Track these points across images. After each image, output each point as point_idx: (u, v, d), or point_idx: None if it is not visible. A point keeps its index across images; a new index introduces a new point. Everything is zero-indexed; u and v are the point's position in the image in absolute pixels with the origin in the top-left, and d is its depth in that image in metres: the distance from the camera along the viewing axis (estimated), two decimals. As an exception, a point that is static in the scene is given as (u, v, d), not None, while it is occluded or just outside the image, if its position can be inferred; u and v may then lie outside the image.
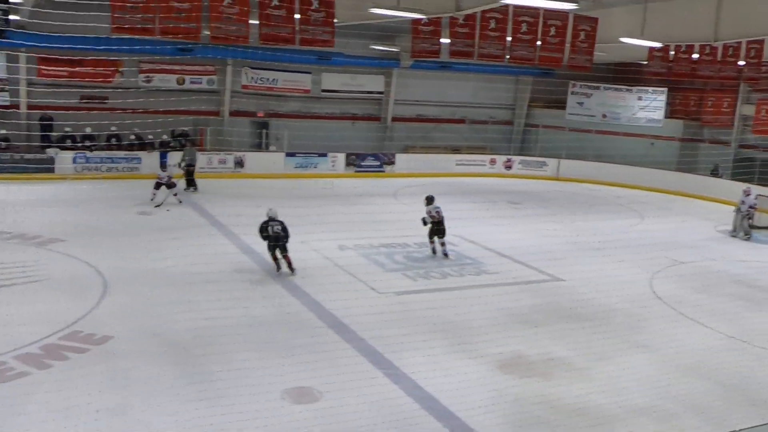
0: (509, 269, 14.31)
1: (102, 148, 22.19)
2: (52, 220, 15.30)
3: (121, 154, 22.23)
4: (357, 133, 27.74)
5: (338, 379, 8.31)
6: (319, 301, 11.34)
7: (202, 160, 22.95)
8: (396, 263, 14.23)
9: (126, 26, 12.76)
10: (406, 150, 28.19)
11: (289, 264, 12.58)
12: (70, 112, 21.69)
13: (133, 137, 22.37)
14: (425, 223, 14.63)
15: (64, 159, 21.19)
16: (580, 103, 29.62)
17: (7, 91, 22.32)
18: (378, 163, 26.43)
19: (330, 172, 24.82)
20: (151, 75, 24.12)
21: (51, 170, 20.72)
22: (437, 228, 14.57)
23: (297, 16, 13.94)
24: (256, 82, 25.87)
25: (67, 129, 21.84)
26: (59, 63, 22.45)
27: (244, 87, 25.85)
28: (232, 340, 9.38)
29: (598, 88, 29.21)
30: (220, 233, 15.66)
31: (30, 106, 22.70)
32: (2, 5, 12.05)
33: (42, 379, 8.20)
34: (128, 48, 20.27)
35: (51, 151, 21.24)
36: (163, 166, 19.39)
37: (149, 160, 22.26)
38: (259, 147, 26.11)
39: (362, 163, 26.15)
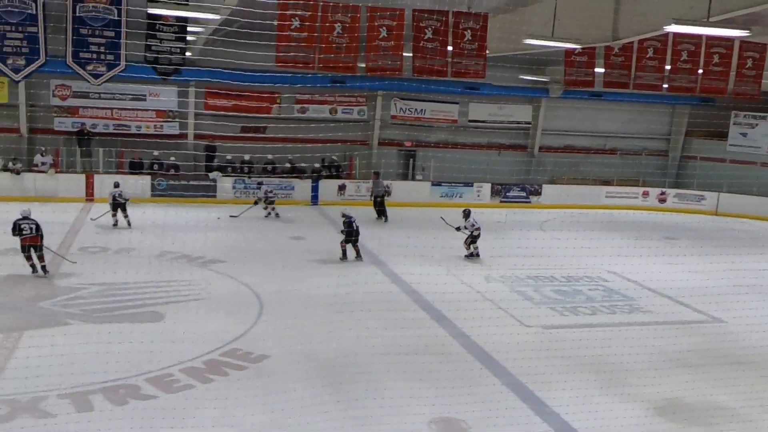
0: (664, 308, 13.61)
1: (259, 175, 23.45)
2: (215, 242, 16.28)
3: (276, 180, 23.36)
4: (503, 163, 27.58)
5: (485, 413, 8.21)
6: (466, 332, 11.30)
7: (350, 187, 23.69)
8: (543, 296, 13.93)
9: (288, 60, 13.44)
10: (553, 181, 27.68)
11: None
12: (232, 142, 23.16)
13: (287, 165, 23.50)
14: (458, 229, 16.33)
15: (225, 186, 22.56)
16: (744, 134, 27.87)
17: (177, 121, 24.19)
18: (524, 194, 26.11)
19: (475, 202, 24.78)
20: (306, 106, 25.28)
21: (213, 195, 22.10)
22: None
23: (450, 48, 14.15)
24: (404, 113, 26.44)
25: (229, 157, 23.29)
26: (224, 96, 24.10)
27: (393, 117, 26.49)
28: (381, 366, 9.52)
29: (765, 118, 27.35)
30: (369, 260, 16.01)
31: (196, 136, 24.46)
32: (180, 44, 13.05)
33: (204, 392, 8.69)
34: (287, 81, 21.34)
35: (213, 174, 22.69)
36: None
37: (302, 186, 23.26)
38: (405, 176, 26.58)
39: (508, 194, 25.94)
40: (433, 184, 25.10)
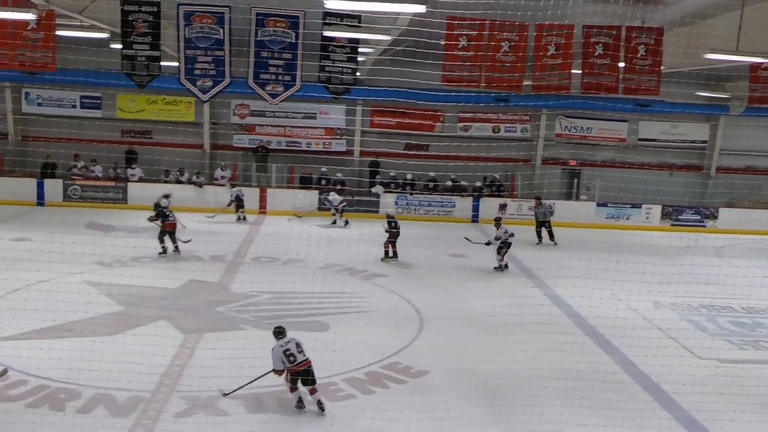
0: None
1: (420, 192, 23.78)
2: (377, 256, 16.67)
3: (437, 198, 23.56)
4: (675, 184, 26.10)
5: (655, 447, 7.78)
6: (633, 360, 10.78)
7: (511, 206, 23.40)
8: (720, 327, 13.00)
9: (454, 79, 13.56)
10: (732, 204, 25.80)
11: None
12: (396, 159, 23.67)
13: (449, 183, 23.65)
14: (488, 243, 16.47)
15: (388, 201, 23.06)
16: None
17: (344, 138, 25.11)
18: (698, 217, 24.54)
19: (644, 225, 23.68)
20: (469, 124, 25.35)
21: (376, 210, 22.67)
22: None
23: (621, 64, 13.66)
24: (570, 131, 25.82)
25: (392, 173, 23.83)
26: (389, 114, 24.73)
27: (558, 135, 25.93)
28: (542, 390, 9.29)
29: None
30: (530, 280, 15.73)
31: (362, 153, 25.26)
32: (352, 65, 13.57)
33: (365, 403, 8.90)
34: (451, 99, 21.53)
35: (376, 189, 23.29)
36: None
37: (463, 204, 23.31)
38: (569, 196, 25.87)
39: (680, 216, 24.49)
40: (598, 205, 24.22)
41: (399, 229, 16.99)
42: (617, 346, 11.44)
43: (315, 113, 24.91)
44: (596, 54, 13.52)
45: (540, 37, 13.64)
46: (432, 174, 24.00)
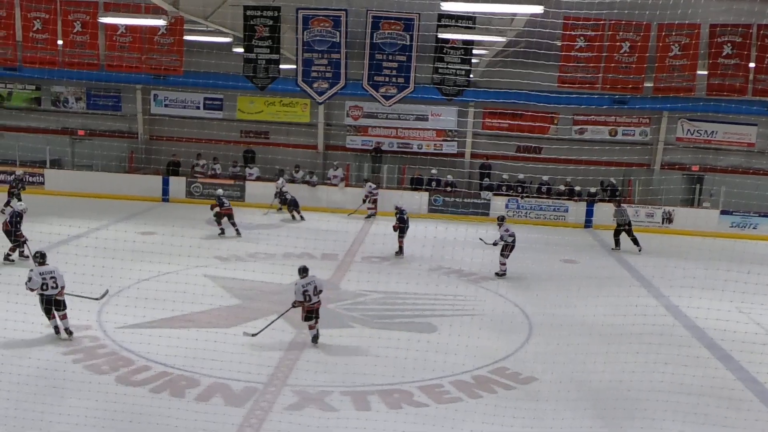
0: None
1: (532, 196, 23.36)
2: (486, 260, 16.52)
3: (549, 202, 23.09)
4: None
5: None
6: (759, 378, 10.17)
7: (627, 212, 22.55)
8: None
9: (571, 80, 13.25)
10: None
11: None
12: (506, 161, 23.39)
13: (562, 187, 23.12)
14: (495, 243, 15.60)
15: (498, 204, 22.82)
16: None
17: (455, 140, 25.05)
18: (836, 229, 22.82)
19: (772, 235, 22.28)
20: (584, 126, 24.69)
21: (486, 214, 22.47)
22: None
23: (752, 64, 12.92)
24: (692, 134, 24.64)
25: (504, 177, 23.55)
26: (502, 116, 24.46)
27: (679, 139, 24.80)
28: (659, 405, 8.91)
29: None
30: (644, 289, 15.15)
31: (473, 155, 25.11)
32: (465, 66, 13.52)
33: (473, 407, 8.85)
34: (566, 101, 21.05)
35: (485, 194, 23.10)
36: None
37: (576, 209, 22.72)
38: (690, 202, 24.71)
39: (816, 228, 22.86)
40: (722, 213, 22.97)
41: (408, 223, 17.24)
42: (740, 361, 10.82)
43: (427, 115, 24.98)
44: (724, 54, 12.86)
45: (663, 36, 13.13)
46: (545, 178, 23.53)
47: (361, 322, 11.96)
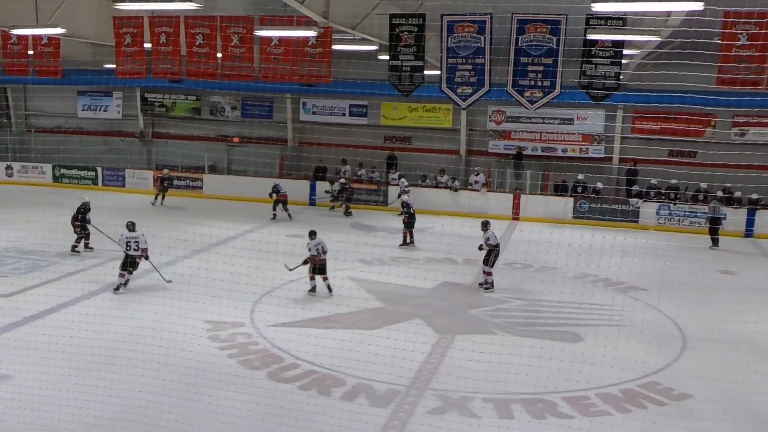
0: None
1: (686, 202, 22.13)
2: (634, 268, 15.85)
3: (705, 209, 21.76)
4: None
5: None
6: None
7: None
8: None
9: (730, 80, 12.47)
10: None
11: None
12: (657, 166, 22.31)
13: (719, 193, 21.72)
14: (480, 248, 14.22)
15: (647, 211, 21.80)
16: None
17: (602, 145, 24.22)
18: None
19: None
20: (745, 129, 23.10)
21: (635, 221, 21.54)
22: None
23: None
24: None
25: (653, 181, 22.46)
26: (653, 119, 23.38)
27: None
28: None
29: None
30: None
31: (621, 159, 24.16)
32: (615, 68, 13.06)
33: (620, 421, 8.51)
34: (725, 102, 19.81)
35: (633, 201, 22.14)
36: None
37: (736, 216, 21.28)
38: None
39: None
40: None
41: (414, 216, 18.02)
42: None
43: (572, 118, 24.35)
44: None
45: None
46: (704, 185, 22.04)
47: (503, 329, 11.84)
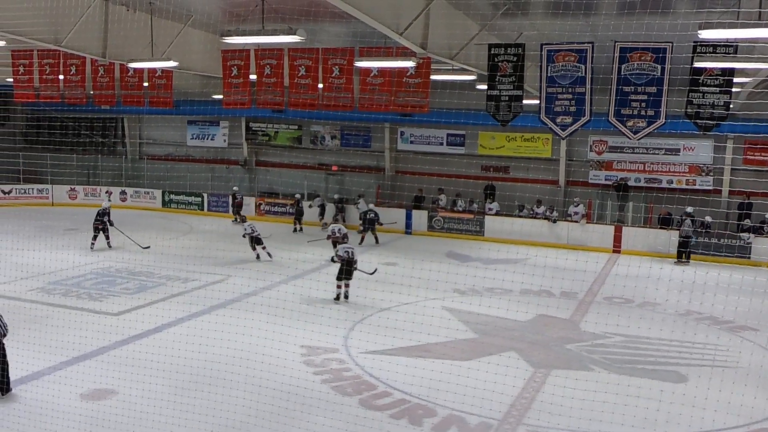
0: None
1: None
2: (743, 307, 15.00)
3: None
4: None
5: None
6: None
7: None
8: None
9: None
10: None
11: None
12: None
13: None
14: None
15: (760, 247, 20.65)
16: None
17: (711, 176, 23.21)
18: None
19: None
20: None
21: (746, 256, 20.45)
22: None
23: None
24: None
25: (767, 216, 21.30)
26: (766, 149, 22.24)
27: None
28: None
29: None
30: None
31: (730, 192, 23.07)
32: (724, 97, 12.54)
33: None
34: None
35: (744, 236, 21.03)
36: None
37: None
38: None
39: None
40: None
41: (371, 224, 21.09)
42: None
43: (678, 148, 23.48)
44: None
45: None
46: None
47: (601, 366, 11.44)
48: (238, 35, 11.96)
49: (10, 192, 28.06)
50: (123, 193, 28.88)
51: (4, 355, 9.55)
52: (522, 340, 12.63)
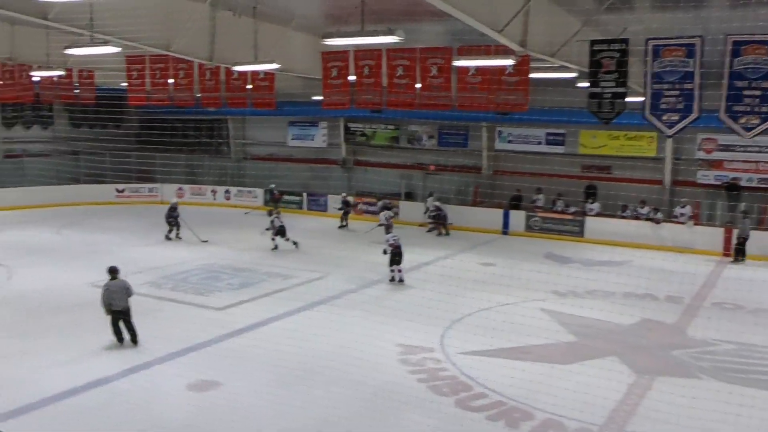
0: None
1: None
2: None
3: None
4: None
5: None
6: None
7: None
8: None
9: None
10: None
11: None
12: None
13: None
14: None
15: None
16: None
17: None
18: None
19: None
20: None
21: None
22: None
23: None
24: None
25: None
26: None
27: None
28: None
29: None
30: None
31: None
32: None
33: None
34: None
35: None
36: None
37: None
38: None
39: None
40: None
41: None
42: None
43: (796, 146, 22.13)
44: None
45: None
46: None
47: (710, 374, 10.93)
48: (338, 37, 12.15)
49: (123, 191, 29.58)
50: (227, 192, 29.90)
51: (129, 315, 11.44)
52: (624, 345, 12.24)
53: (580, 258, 19.88)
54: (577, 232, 23.08)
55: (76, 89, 21.78)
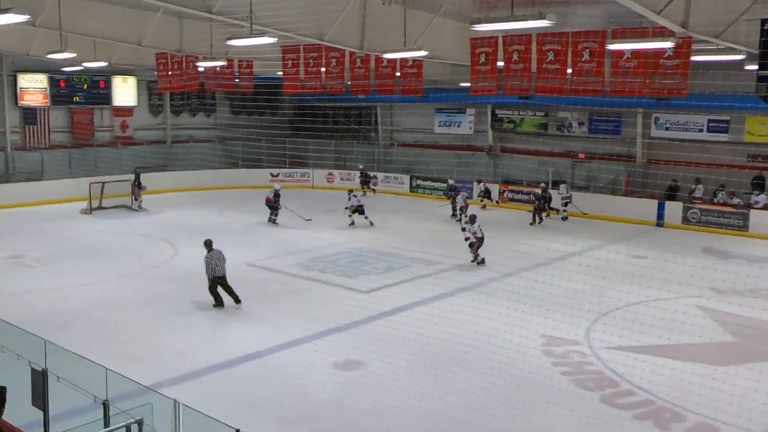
0: None
1: None
2: None
3: None
4: None
5: None
6: None
7: None
8: None
9: None
10: None
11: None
12: None
13: None
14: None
15: None
16: None
17: None
18: None
19: None
20: None
21: None
22: None
23: None
24: None
25: None
26: None
27: None
28: None
29: None
30: None
31: None
32: None
33: None
34: None
35: None
36: None
37: None
38: None
39: None
40: None
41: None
42: None
43: None
44: None
45: None
46: None
47: None
48: (487, 22, 12.02)
49: (277, 175, 30.93)
50: (374, 177, 30.53)
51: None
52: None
53: (743, 253, 18.59)
54: (740, 225, 21.56)
55: (237, 78, 23.01)
